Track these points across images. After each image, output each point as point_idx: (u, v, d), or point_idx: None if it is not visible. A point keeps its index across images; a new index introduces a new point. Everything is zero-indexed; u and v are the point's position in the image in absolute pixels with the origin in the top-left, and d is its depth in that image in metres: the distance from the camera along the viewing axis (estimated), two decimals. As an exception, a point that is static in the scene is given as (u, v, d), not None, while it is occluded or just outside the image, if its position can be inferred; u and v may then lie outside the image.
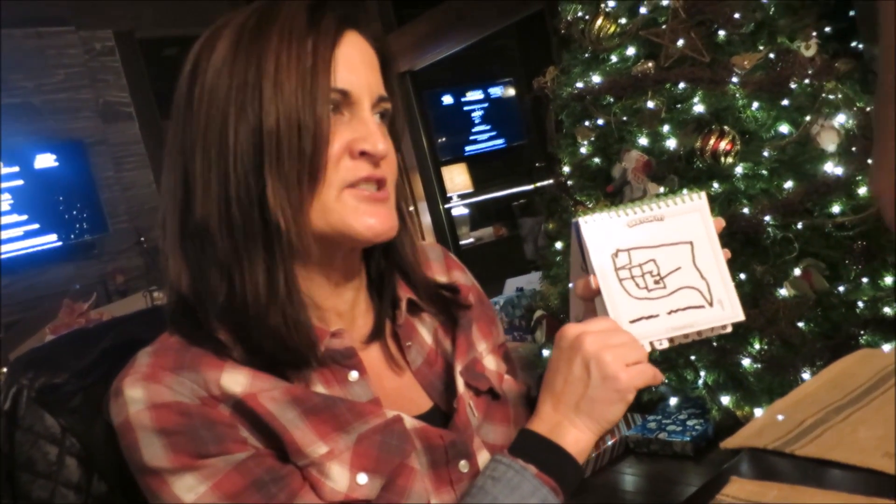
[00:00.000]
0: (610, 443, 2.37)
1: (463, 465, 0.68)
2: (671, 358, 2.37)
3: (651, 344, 0.66)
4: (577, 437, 0.63)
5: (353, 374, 0.67)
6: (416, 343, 0.76)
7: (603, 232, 0.67)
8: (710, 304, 0.67)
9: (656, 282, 0.67)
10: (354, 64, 0.66)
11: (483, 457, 0.70)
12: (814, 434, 0.59)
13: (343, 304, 0.72)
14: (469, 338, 0.78)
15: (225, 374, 0.62)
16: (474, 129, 6.80)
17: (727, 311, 0.67)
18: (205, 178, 0.64)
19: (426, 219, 4.71)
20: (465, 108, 6.78)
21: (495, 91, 6.97)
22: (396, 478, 0.64)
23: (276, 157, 0.62)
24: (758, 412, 2.15)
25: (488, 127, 6.87)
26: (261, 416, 0.62)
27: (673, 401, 2.46)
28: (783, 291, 2.07)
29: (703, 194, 0.69)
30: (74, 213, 4.25)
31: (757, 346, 2.10)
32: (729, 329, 0.68)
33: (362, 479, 0.62)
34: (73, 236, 4.22)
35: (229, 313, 0.63)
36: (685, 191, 0.70)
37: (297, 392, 0.64)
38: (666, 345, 0.67)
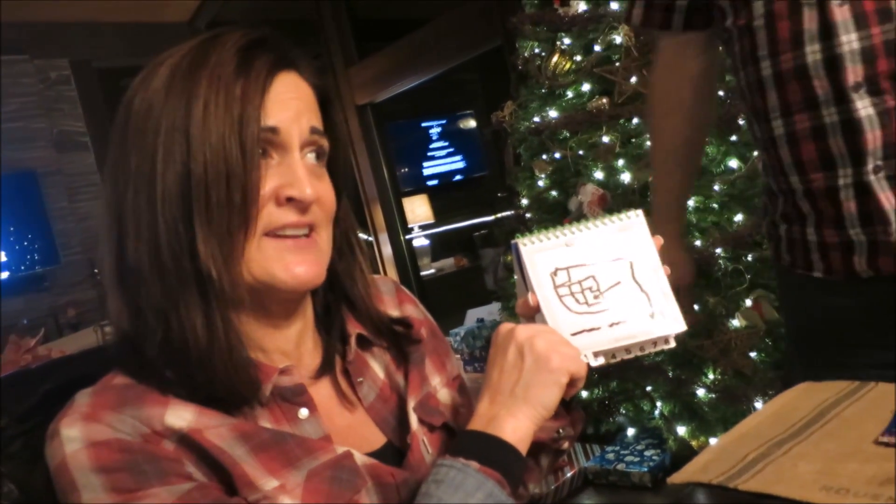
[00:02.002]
0: (569, 474, 2.37)
1: None
2: (629, 389, 2.40)
3: (588, 356, 0.67)
4: (514, 426, 0.63)
5: (303, 412, 0.67)
6: (367, 379, 0.75)
7: (541, 252, 0.69)
8: (651, 317, 0.69)
9: (596, 297, 0.69)
10: (285, 100, 0.65)
11: None
12: (756, 469, 0.60)
13: (287, 343, 0.71)
14: (422, 372, 0.78)
15: (169, 410, 0.61)
16: (435, 158, 6.82)
17: (668, 322, 0.69)
18: (136, 221, 0.63)
19: (387, 250, 4.70)
20: (427, 140, 6.82)
21: (456, 123, 7.04)
22: None
23: (206, 206, 0.61)
24: (713, 441, 2.17)
25: (449, 154, 6.89)
26: (208, 450, 0.60)
27: (630, 431, 2.48)
28: (735, 322, 2.11)
29: (641, 211, 0.72)
30: (25, 244, 4.14)
31: (711, 377, 2.14)
32: (672, 343, 0.70)
33: None
34: (23, 268, 4.11)
35: (168, 354, 0.62)
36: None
37: (246, 428, 0.63)
38: (602, 361, 0.68)
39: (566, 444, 0.82)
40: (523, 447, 0.63)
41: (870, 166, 0.88)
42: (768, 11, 0.92)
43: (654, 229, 1.22)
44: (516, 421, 0.63)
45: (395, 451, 0.72)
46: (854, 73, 0.86)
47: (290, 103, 0.65)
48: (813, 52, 0.88)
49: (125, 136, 0.64)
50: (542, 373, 0.63)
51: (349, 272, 0.76)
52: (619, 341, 0.68)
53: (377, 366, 0.77)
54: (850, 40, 0.86)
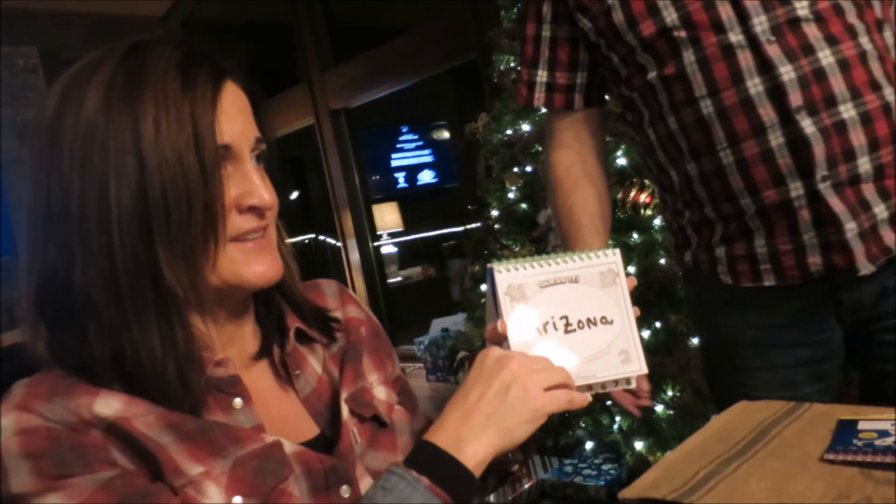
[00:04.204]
0: (527, 486, 2.38)
1: (344, 491, 0.68)
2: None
3: None
4: (475, 450, 0.63)
5: (238, 402, 0.68)
6: (304, 372, 0.76)
7: (515, 282, 0.69)
8: (618, 356, 0.70)
9: (566, 331, 0.69)
10: (232, 114, 0.66)
11: (366, 483, 0.71)
12: (708, 486, 0.61)
13: (230, 336, 0.73)
14: (358, 368, 0.80)
15: (98, 399, 0.62)
16: (404, 150, 6.78)
17: (633, 364, 0.70)
18: (85, 247, 0.61)
19: (354, 256, 4.69)
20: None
21: (430, 133, 7.05)
22: None
23: (166, 226, 0.61)
24: (670, 459, 2.20)
25: (418, 147, 6.86)
26: (135, 437, 0.61)
27: (589, 445, 2.50)
28: (695, 341, 2.15)
29: (618, 251, 0.72)
30: (-18, 233, 4.04)
31: (670, 393, 2.17)
32: (633, 384, 0.71)
33: (237, 501, 0.62)
34: (-22, 258, 4.00)
35: (118, 374, 0.63)
36: (610, 243, 0.72)
37: (173, 418, 0.63)
38: None
39: (515, 467, 0.83)
40: (479, 472, 0.63)
41: (818, 177, 1.00)
42: (700, 58, 1.03)
43: None
44: (479, 446, 0.63)
45: (327, 442, 0.73)
46: (795, 97, 0.99)
47: (236, 117, 0.67)
48: (754, 84, 1.01)
49: (58, 160, 0.62)
50: (523, 412, 0.63)
51: (285, 265, 0.77)
52: (581, 379, 0.68)
53: (314, 361, 0.78)
54: (787, 71, 1.00)
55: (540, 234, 2.50)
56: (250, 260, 0.68)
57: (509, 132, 2.61)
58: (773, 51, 1.00)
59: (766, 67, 1.00)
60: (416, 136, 6.84)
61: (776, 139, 1.01)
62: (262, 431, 0.67)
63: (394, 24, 4.61)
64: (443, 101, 6.99)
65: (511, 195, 2.66)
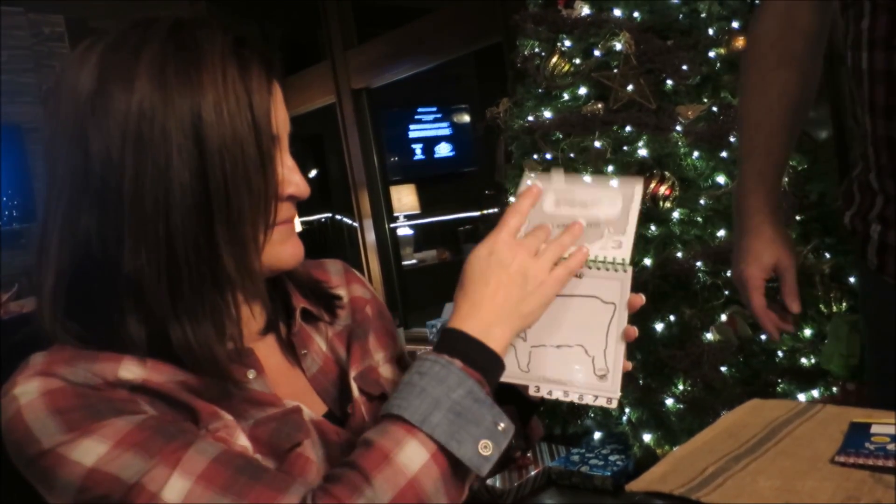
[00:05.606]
0: (532, 473, 2.39)
1: None
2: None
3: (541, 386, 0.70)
4: (502, 333, 0.66)
5: (251, 373, 0.69)
6: (311, 351, 0.77)
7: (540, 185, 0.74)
8: (594, 372, 0.70)
9: (553, 328, 0.70)
10: (278, 104, 0.68)
11: None
12: (717, 482, 0.61)
13: (242, 311, 0.73)
14: (364, 346, 0.81)
15: (123, 365, 0.62)
16: (422, 122, 6.74)
17: (607, 384, 0.69)
18: (138, 230, 0.60)
19: (370, 237, 4.69)
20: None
21: (450, 116, 7.02)
22: (291, 467, 0.65)
23: (226, 210, 0.62)
24: (677, 452, 2.20)
25: (437, 120, 6.83)
26: (165, 392, 0.62)
27: (597, 435, 2.50)
28: (709, 336, 2.14)
29: (630, 268, 0.71)
30: (4, 199, 4.08)
31: (680, 387, 2.16)
32: (614, 405, 0.70)
33: (257, 458, 0.64)
34: (-1, 223, 4.05)
35: (160, 356, 0.63)
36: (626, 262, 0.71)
37: (194, 382, 0.64)
38: (540, 394, 0.70)
39: (517, 454, 0.84)
40: (504, 353, 0.67)
41: None
42: None
43: (743, 200, 1.07)
44: (504, 330, 0.66)
45: (336, 420, 0.74)
46: None
47: (281, 107, 0.68)
48: None
49: (103, 137, 0.60)
50: (541, 298, 0.67)
51: None
52: (551, 383, 0.70)
53: (320, 339, 0.79)
54: None
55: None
56: (285, 243, 0.69)
57: (531, 118, 2.60)
58: None
59: None
60: (434, 109, 6.80)
61: None
62: (279, 398, 0.69)
63: (418, 5, 4.58)
64: (464, 85, 6.95)
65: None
